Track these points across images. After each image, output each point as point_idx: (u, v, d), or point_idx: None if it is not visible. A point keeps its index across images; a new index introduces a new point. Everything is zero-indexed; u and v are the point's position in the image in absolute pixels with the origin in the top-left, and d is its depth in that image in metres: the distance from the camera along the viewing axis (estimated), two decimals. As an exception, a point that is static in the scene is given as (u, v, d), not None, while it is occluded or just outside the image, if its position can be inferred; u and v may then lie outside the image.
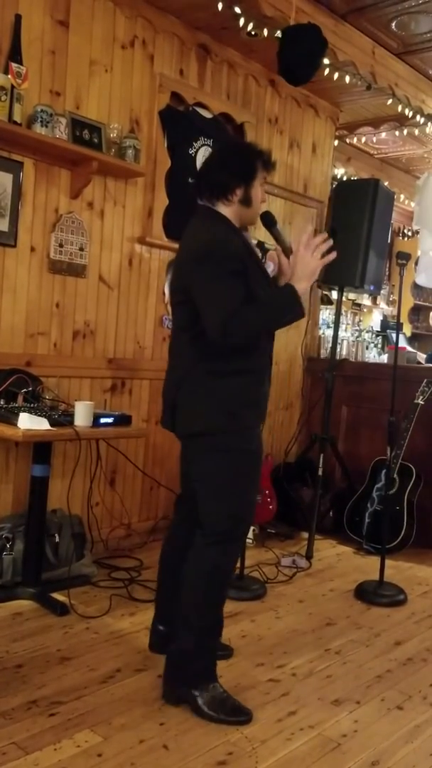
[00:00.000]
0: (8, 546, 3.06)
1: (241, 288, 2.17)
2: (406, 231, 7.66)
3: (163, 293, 3.94)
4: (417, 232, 6.33)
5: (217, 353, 2.21)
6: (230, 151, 2.44)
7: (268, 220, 2.41)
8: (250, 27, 3.78)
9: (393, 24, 4.03)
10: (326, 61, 3.91)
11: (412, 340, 7.78)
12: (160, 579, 2.56)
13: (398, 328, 3.88)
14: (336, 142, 5.29)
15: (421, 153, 6.20)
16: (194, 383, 2.27)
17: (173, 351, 2.39)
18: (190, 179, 3.92)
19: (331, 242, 2.28)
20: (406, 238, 7.64)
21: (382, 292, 6.33)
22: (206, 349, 2.22)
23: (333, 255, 2.29)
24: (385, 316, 7.54)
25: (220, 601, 2.31)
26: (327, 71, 4.10)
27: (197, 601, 2.26)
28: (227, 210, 2.30)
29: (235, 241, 2.24)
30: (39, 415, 2.75)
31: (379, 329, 7.01)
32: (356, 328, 6.62)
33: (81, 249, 3.53)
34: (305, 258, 2.24)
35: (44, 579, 3.09)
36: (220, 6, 3.59)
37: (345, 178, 6.15)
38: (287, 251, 2.37)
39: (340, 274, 4.41)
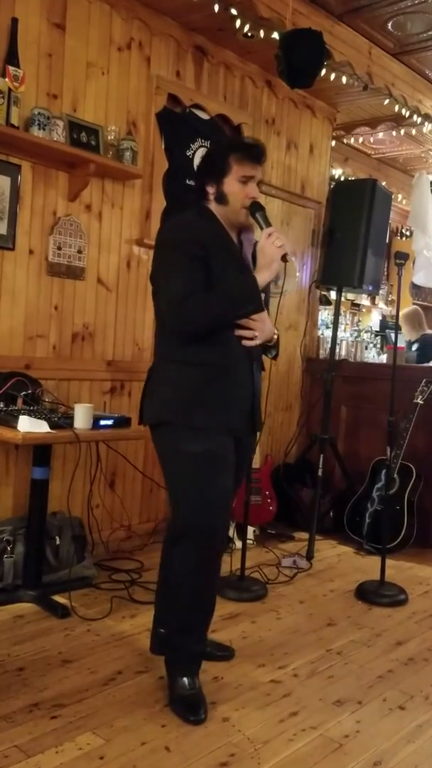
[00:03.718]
0: (9, 549, 3.06)
1: (199, 274, 2.15)
2: (404, 231, 7.66)
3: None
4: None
5: (178, 343, 2.22)
6: (206, 151, 2.46)
7: (253, 207, 2.28)
8: (246, 28, 3.78)
9: (389, 24, 4.04)
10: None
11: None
12: (160, 580, 2.56)
13: (397, 327, 3.88)
14: (333, 143, 5.29)
15: (418, 153, 6.21)
16: (156, 372, 2.33)
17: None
18: (187, 181, 3.93)
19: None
20: (404, 238, 7.65)
21: (380, 292, 6.33)
22: (169, 338, 2.26)
23: (284, 249, 2.19)
24: (384, 316, 7.54)
25: (185, 603, 2.29)
26: (324, 72, 4.09)
27: (166, 600, 2.33)
28: (213, 208, 2.30)
29: (198, 228, 2.23)
30: (38, 418, 2.75)
31: (378, 329, 7.02)
32: (355, 329, 6.64)
33: (79, 251, 3.53)
34: (264, 247, 2.20)
35: (45, 582, 3.09)
36: (216, 8, 3.59)
37: (342, 179, 6.15)
38: None
39: (339, 275, 4.42)
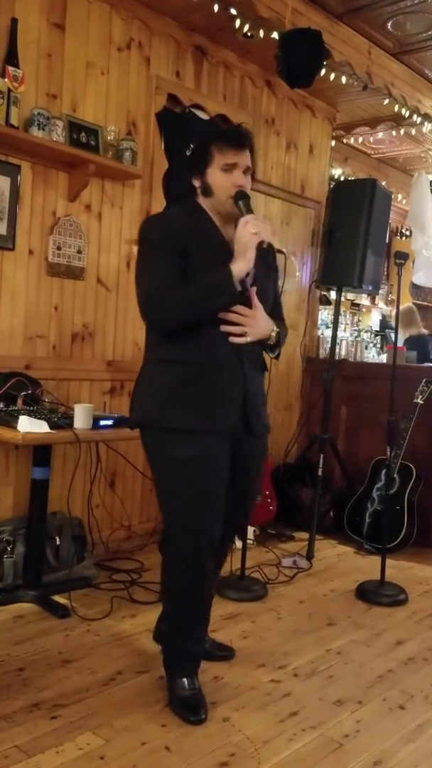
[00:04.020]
0: (9, 549, 3.06)
1: (172, 269, 2.10)
2: (404, 230, 7.65)
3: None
4: (414, 232, 6.33)
5: (159, 342, 2.19)
6: (194, 146, 2.39)
7: (237, 195, 2.16)
8: (246, 28, 3.78)
9: (389, 24, 4.04)
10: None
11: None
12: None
13: (397, 327, 3.87)
14: (333, 143, 5.29)
15: (417, 152, 6.21)
16: (141, 373, 2.30)
17: None
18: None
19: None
20: (404, 238, 7.64)
21: (380, 291, 6.34)
22: (152, 337, 2.24)
23: (265, 231, 2.08)
24: (384, 316, 7.54)
25: (176, 605, 2.28)
26: (323, 72, 4.10)
27: (162, 599, 2.35)
28: (202, 202, 2.25)
29: (176, 222, 2.19)
30: (38, 418, 2.75)
31: (378, 329, 7.01)
32: (355, 328, 6.63)
33: (79, 251, 3.53)
34: (240, 236, 2.09)
35: (45, 582, 3.09)
36: (216, 8, 3.59)
37: (342, 179, 6.15)
38: None
39: (339, 274, 4.42)
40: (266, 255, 2.33)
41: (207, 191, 2.21)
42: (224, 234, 2.23)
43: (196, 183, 2.23)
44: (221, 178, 2.16)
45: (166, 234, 2.16)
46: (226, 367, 2.16)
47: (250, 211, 2.14)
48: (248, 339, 2.15)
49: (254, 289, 2.19)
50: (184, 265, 2.11)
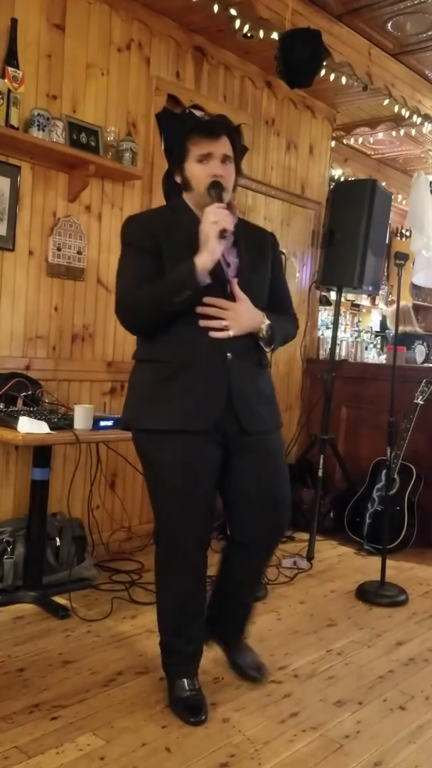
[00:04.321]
0: (9, 550, 3.06)
1: (145, 268, 2.07)
2: (404, 231, 7.65)
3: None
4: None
5: (141, 342, 2.19)
6: None
7: (211, 185, 2.09)
8: (246, 29, 3.78)
9: (389, 24, 4.04)
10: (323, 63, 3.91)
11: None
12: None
13: (397, 328, 3.87)
14: (333, 143, 5.29)
15: (418, 153, 6.21)
16: (131, 371, 2.28)
17: None
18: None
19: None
20: (404, 239, 7.64)
21: (380, 292, 6.33)
22: (138, 338, 2.23)
23: (225, 219, 1.99)
24: (384, 317, 7.54)
25: (168, 606, 2.26)
26: (323, 72, 4.10)
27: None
28: (186, 199, 2.21)
29: (151, 221, 2.18)
30: (39, 419, 2.75)
31: (378, 330, 7.01)
32: (355, 329, 6.64)
33: (79, 252, 3.53)
34: (201, 226, 2.03)
35: (45, 582, 3.09)
36: (215, 8, 3.59)
37: (342, 179, 6.15)
38: None
39: (339, 275, 4.42)
40: (263, 245, 2.27)
41: (187, 186, 2.18)
42: None
43: (178, 179, 2.21)
44: (197, 170, 2.11)
45: (140, 235, 2.14)
46: (205, 364, 2.07)
47: (220, 200, 2.06)
48: (230, 333, 2.06)
49: (236, 280, 2.11)
50: (160, 265, 2.07)
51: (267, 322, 2.13)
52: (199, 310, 2.05)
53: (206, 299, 2.05)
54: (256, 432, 2.17)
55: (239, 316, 2.08)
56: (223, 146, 2.11)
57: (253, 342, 2.16)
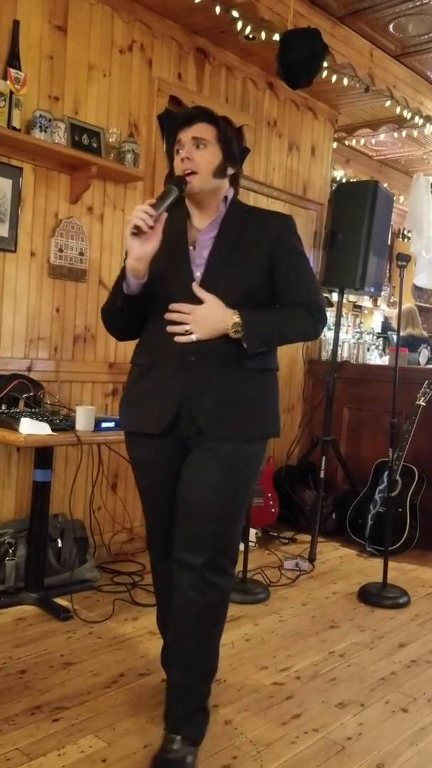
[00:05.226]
0: (11, 551, 3.06)
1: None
2: (405, 232, 7.65)
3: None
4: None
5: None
6: None
7: (170, 181, 2.00)
8: (247, 30, 3.78)
9: (391, 26, 4.04)
10: (324, 63, 3.90)
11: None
12: None
13: (399, 329, 3.87)
14: (335, 145, 5.29)
15: (420, 154, 6.21)
16: None
17: None
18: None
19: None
20: (405, 240, 7.64)
21: (382, 293, 6.33)
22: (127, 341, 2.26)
23: (134, 216, 1.90)
24: (385, 318, 7.53)
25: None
26: (325, 74, 4.11)
27: None
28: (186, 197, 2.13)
29: None
30: (40, 420, 2.75)
31: (380, 331, 7.01)
32: (357, 330, 6.62)
33: (81, 254, 3.53)
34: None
35: (47, 584, 3.09)
36: (217, 10, 3.59)
37: (344, 180, 6.15)
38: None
39: (341, 276, 4.42)
40: (259, 233, 2.06)
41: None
42: (196, 225, 2.08)
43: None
44: (176, 163, 2.03)
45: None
46: (164, 367, 2.00)
47: (162, 196, 1.94)
48: (193, 337, 1.94)
49: (197, 281, 1.99)
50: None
51: (235, 320, 1.94)
52: (166, 316, 1.97)
53: (171, 305, 1.98)
54: (214, 438, 1.98)
55: (201, 319, 1.94)
56: (193, 131, 2.00)
57: (228, 343, 1.97)
